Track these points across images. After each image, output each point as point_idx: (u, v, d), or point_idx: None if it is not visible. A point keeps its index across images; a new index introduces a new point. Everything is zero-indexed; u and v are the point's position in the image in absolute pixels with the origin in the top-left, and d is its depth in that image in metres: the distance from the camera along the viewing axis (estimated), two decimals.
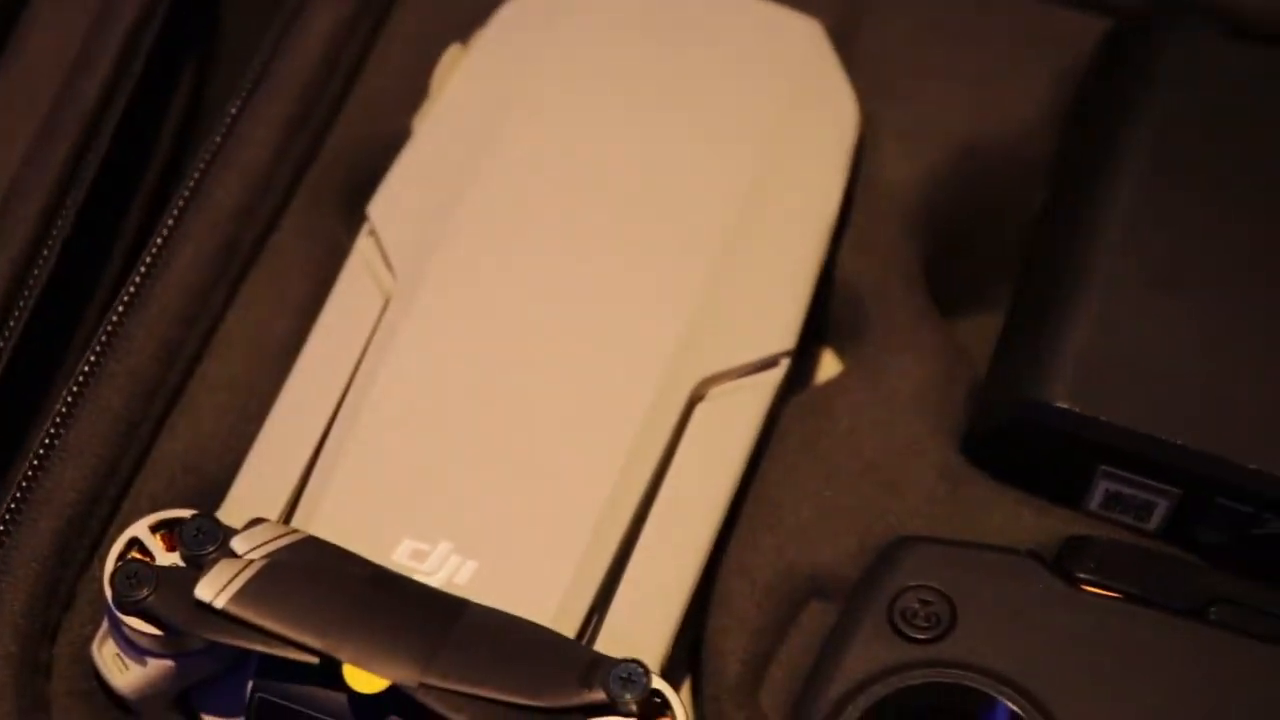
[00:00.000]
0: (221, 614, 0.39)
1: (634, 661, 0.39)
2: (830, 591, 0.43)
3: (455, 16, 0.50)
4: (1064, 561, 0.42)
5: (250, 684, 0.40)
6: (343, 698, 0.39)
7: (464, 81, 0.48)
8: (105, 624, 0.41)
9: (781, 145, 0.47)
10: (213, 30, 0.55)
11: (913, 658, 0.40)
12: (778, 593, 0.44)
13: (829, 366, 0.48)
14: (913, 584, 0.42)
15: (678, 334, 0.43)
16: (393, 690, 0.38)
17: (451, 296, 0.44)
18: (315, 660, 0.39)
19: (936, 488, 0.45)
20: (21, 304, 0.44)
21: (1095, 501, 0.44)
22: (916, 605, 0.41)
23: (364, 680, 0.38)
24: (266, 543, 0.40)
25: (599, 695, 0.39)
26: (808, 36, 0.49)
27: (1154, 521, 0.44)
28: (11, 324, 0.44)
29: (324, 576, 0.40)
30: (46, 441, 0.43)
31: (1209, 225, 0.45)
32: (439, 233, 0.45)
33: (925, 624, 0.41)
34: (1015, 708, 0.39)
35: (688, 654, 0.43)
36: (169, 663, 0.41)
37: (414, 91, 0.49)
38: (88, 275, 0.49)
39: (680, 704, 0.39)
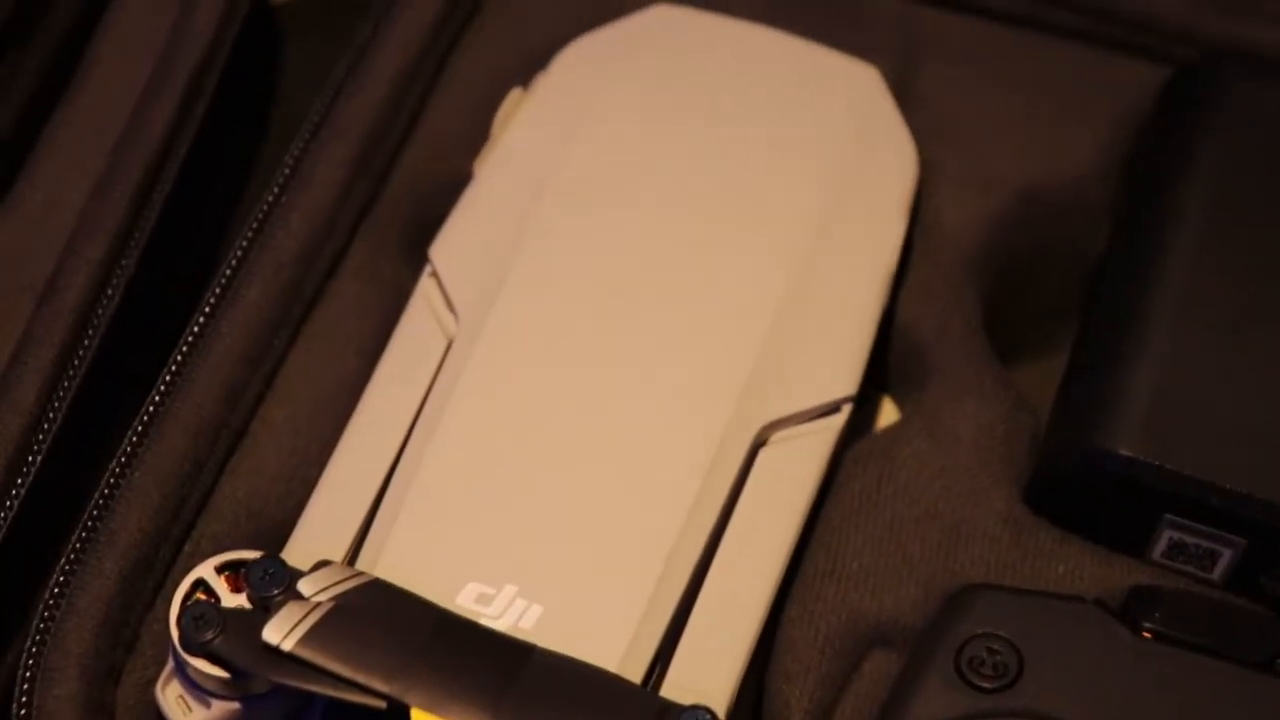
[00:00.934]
0: (289, 657, 0.39)
1: (703, 708, 0.38)
2: (893, 640, 0.43)
3: (516, 60, 0.50)
4: (1130, 610, 0.42)
5: None
6: None
7: (525, 125, 0.47)
8: (170, 665, 0.41)
9: (842, 191, 0.47)
10: (275, 71, 0.54)
11: (981, 708, 0.40)
12: (840, 640, 0.43)
13: (889, 414, 0.47)
14: (980, 632, 0.41)
15: (742, 379, 0.43)
16: None
17: (515, 340, 0.43)
18: (383, 705, 0.38)
19: (1000, 536, 0.44)
20: (86, 344, 0.44)
21: (1159, 550, 0.44)
22: (984, 654, 0.41)
23: None
24: (333, 585, 0.40)
25: None
26: (867, 83, 0.49)
27: (1218, 571, 0.43)
28: (75, 363, 0.44)
29: (391, 620, 0.39)
30: (111, 482, 0.42)
31: (1273, 272, 0.44)
32: (501, 276, 0.44)
33: (993, 673, 0.40)
34: None
35: (752, 704, 0.43)
36: (233, 705, 0.40)
37: (476, 134, 0.48)
38: (151, 316, 0.48)
39: None
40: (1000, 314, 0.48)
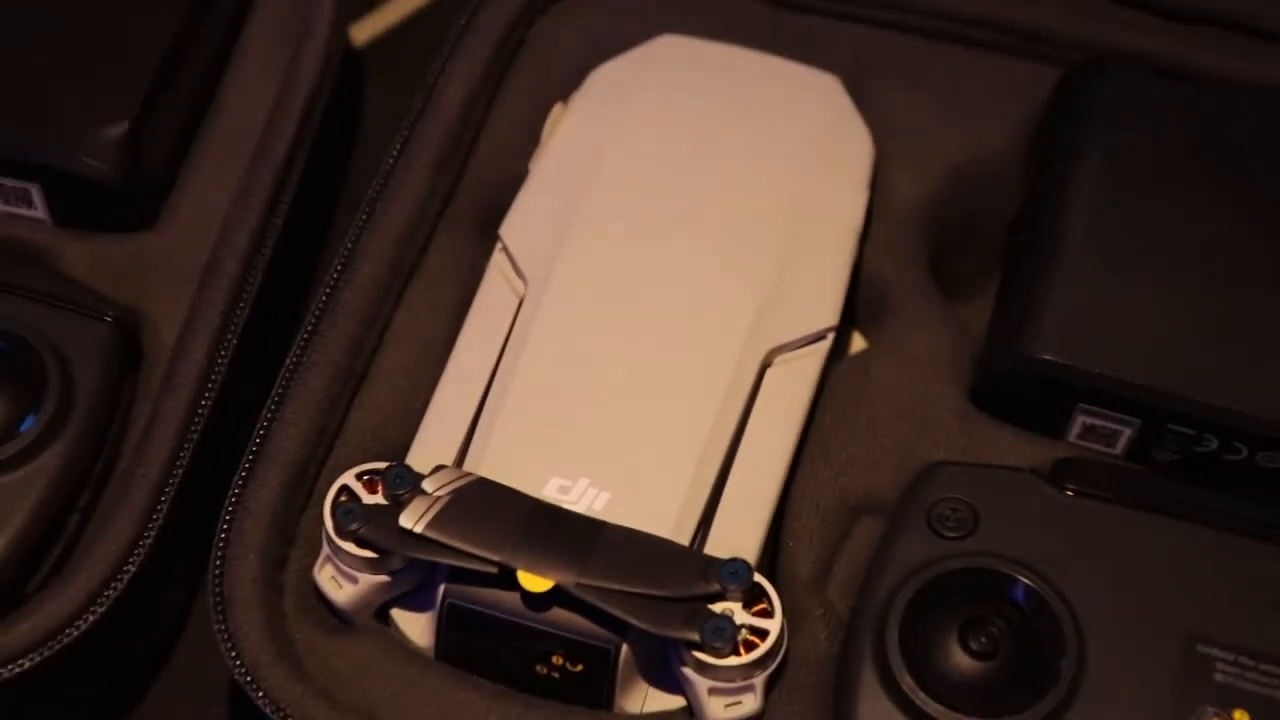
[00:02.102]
0: (420, 537, 0.43)
1: (739, 560, 0.44)
2: (876, 509, 0.48)
3: (557, 81, 0.54)
4: (1056, 476, 0.47)
5: (441, 590, 0.44)
6: (516, 597, 0.43)
7: (568, 131, 0.52)
8: (324, 552, 0.45)
9: (817, 174, 0.51)
10: (364, 100, 0.58)
11: (948, 551, 0.45)
12: (835, 511, 0.48)
13: (860, 343, 0.52)
14: (944, 496, 0.46)
15: (751, 316, 0.48)
16: (556, 589, 0.43)
17: (574, 294, 0.48)
18: (495, 570, 0.43)
19: (953, 427, 0.49)
20: (239, 312, 0.49)
21: (1074, 433, 0.49)
22: (948, 512, 0.46)
23: (534, 583, 0.43)
24: (449, 483, 0.45)
25: (714, 587, 0.43)
26: (831, 89, 0.53)
27: (1120, 447, 0.48)
28: (233, 328, 0.49)
29: (494, 507, 0.44)
30: (269, 415, 0.47)
31: (1153, 215, 0.49)
32: (557, 246, 0.49)
33: (955, 526, 0.45)
34: (1029, 582, 0.44)
35: (769, 561, 0.48)
36: (377, 579, 0.45)
37: (529, 141, 0.52)
38: (287, 291, 0.53)
39: (774, 593, 0.44)
40: (944, 263, 0.53)
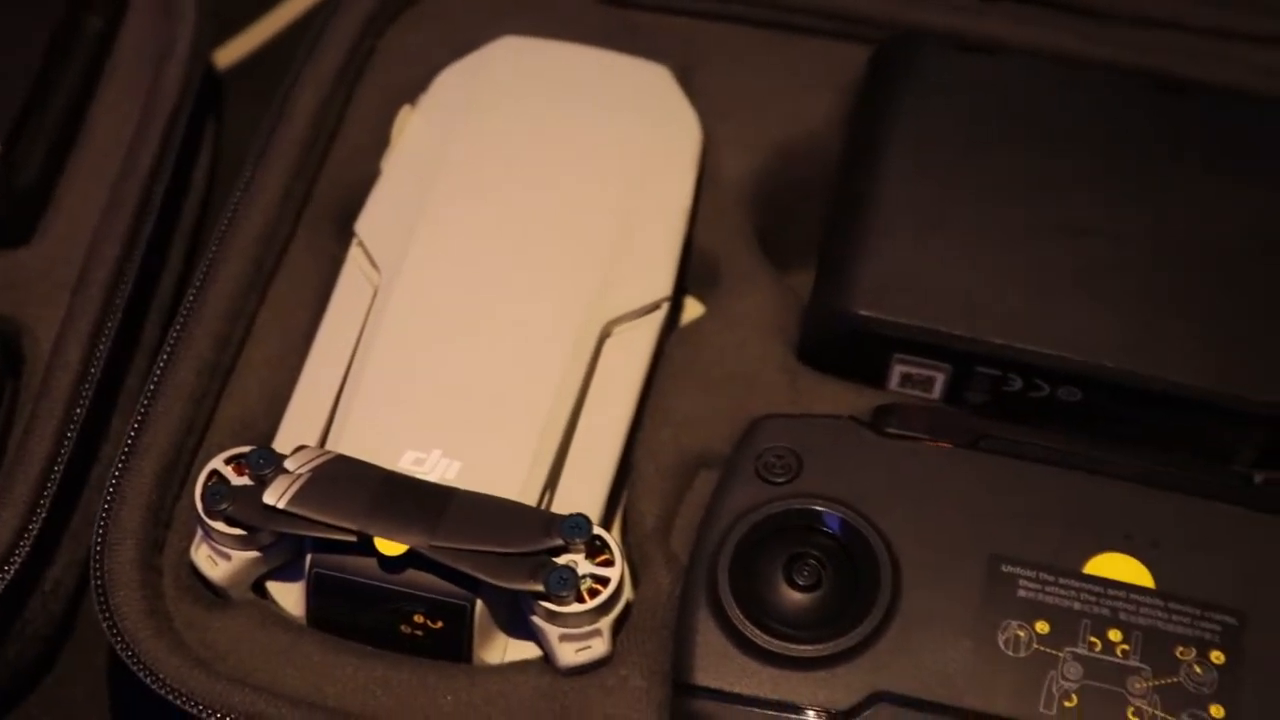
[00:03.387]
0: (283, 512, 0.46)
1: (579, 515, 0.46)
2: (712, 463, 0.50)
3: (406, 85, 0.56)
4: (876, 421, 0.49)
5: (309, 560, 0.46)
6: (374, 562, 0.46)
7: (414, 131, 0.54)
8: (199, 533, 0.48)
9: (649, 156, 0.54)
10: (224, 114, 0.61)
11: (774, 495, 0.48)
12: (675, 467, 0.50)
13: (694, 310, 0.54)
14: (769, 446, 0.48)
15: (588, 291, 0.51)
16: (411, 552, 0.45)
17: (423, 279, 0.51)
18: (354, 538, 0.46)
19: (781, 382, 0.51)
20: (111, 317, 0.51)
21: (893, 382, 0.52)
22: (774, 460, 0.48)
23: (390, 547, 0.46)
24: (309, 461, 0.47)
25: (558, 541, 0.46)
26: (661, 78, 0.56)
27: (936, 391, 0.51)
28: (106, 330, 0.51)
29: (352, 480, 0.47)
30: (142, 410, 0.49)
31: (956, 176, 0.52)
32: (408, 237, 0.51)
33: (781, 472, 0.48)
34: (844, 515, 0.47)
35: (616, 516, 0.50)
36: (248, 555, 0.47)
37: (380, 142, 0.54)
38: (155, 293, 0.55)
39: (614, 542, 0.47)
40: (770, 235, 0.55)
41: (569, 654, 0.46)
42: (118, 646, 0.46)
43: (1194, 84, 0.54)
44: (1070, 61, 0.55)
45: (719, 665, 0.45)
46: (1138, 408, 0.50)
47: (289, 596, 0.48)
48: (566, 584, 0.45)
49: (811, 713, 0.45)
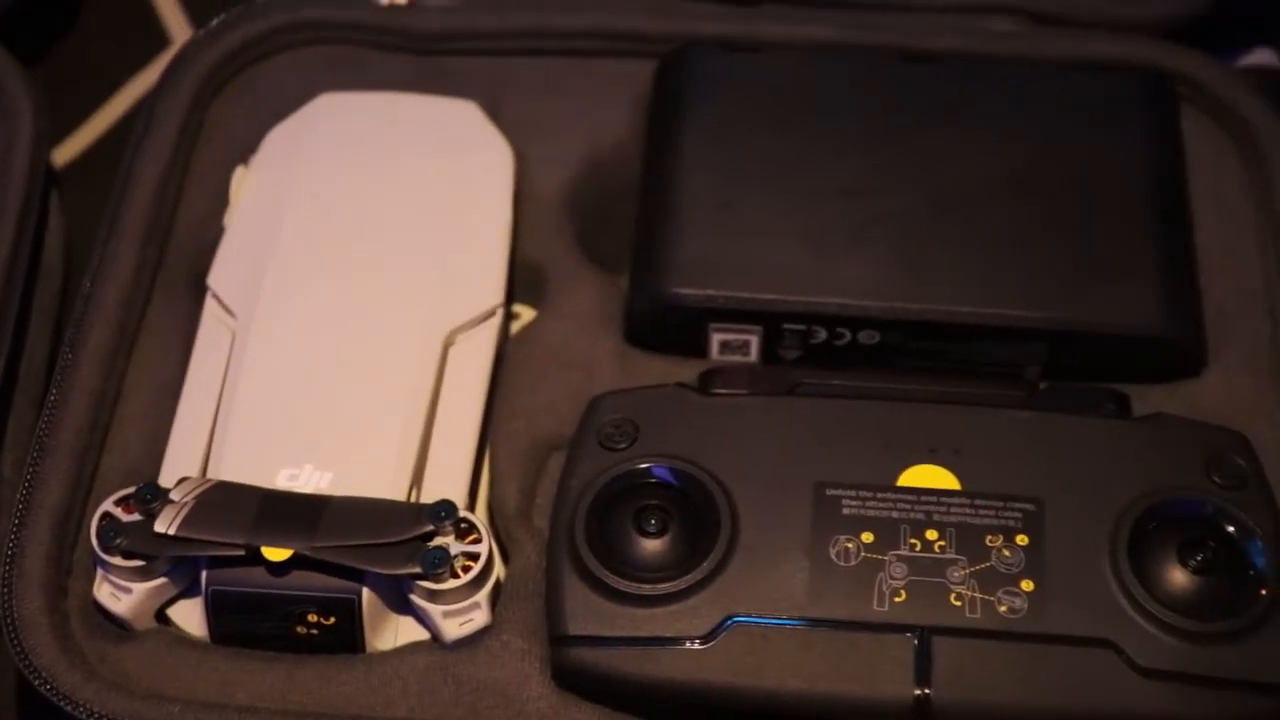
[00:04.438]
0: (174, 538, 0.49)
1: (445, 500, 0.50)
2: (561, 445, 0.54)
3: (237, 149, 0.60)
4: (702, 384, 0.54)
5: (204, 578, 0.50)
6: (263, 570, 0.49)
7: (251, 188, 0.58)
8: (99, 572, 0.51)
9: (466, 182, 0.58)
10: (66, 199, 0.63)
11: (617, 460, 0.52)
12: (529, 454, 0.54)
13: (528, 315, 0.59)
14: (609, 418, 0.52)
15: (427, 306, 0.55)
16: (296, 556, 0.49)
17: (275, 316, 0.54)
18: (242, 551, 0.49)
19: (614, 365, 0.56)
20: None
21: (714, 351, 0.56)
22: (613, 430, 0.52)
23: (276, 554, 0.49)
24: (192, 490, 0.50)
25: (428, 526, 0.49)
26: (470, 114, 0.60)
27: (752, 353, 0.56)
28: None
29: (234, 501, 0.50)
30: (30, 473, 0.52)
31: (741, 159, 0.57)
32: (257, 282, 0.55)
33: (621, 440, 0.52)
34: (680, 467, 0.51)
35: (483, 503, 0.54)
36: (148, 584, 0.50)
37: (220, 203, 0.58)
38: (27, 365, 0.58)
39: (480, 522, 0.50)
40: (590, 237, 0.60)
41: (453, 628, 0.50)
42: (36, 683, 0.49)
43: (935, 54, 0.60)
44: (829, 48, 0.61)
45: (587, 615, 0.49)
46: (931, 340, 0.55)
47: (190, 620, 0.51)
48: (441, 563, 0.49)
49: (672, 642, 0.49)
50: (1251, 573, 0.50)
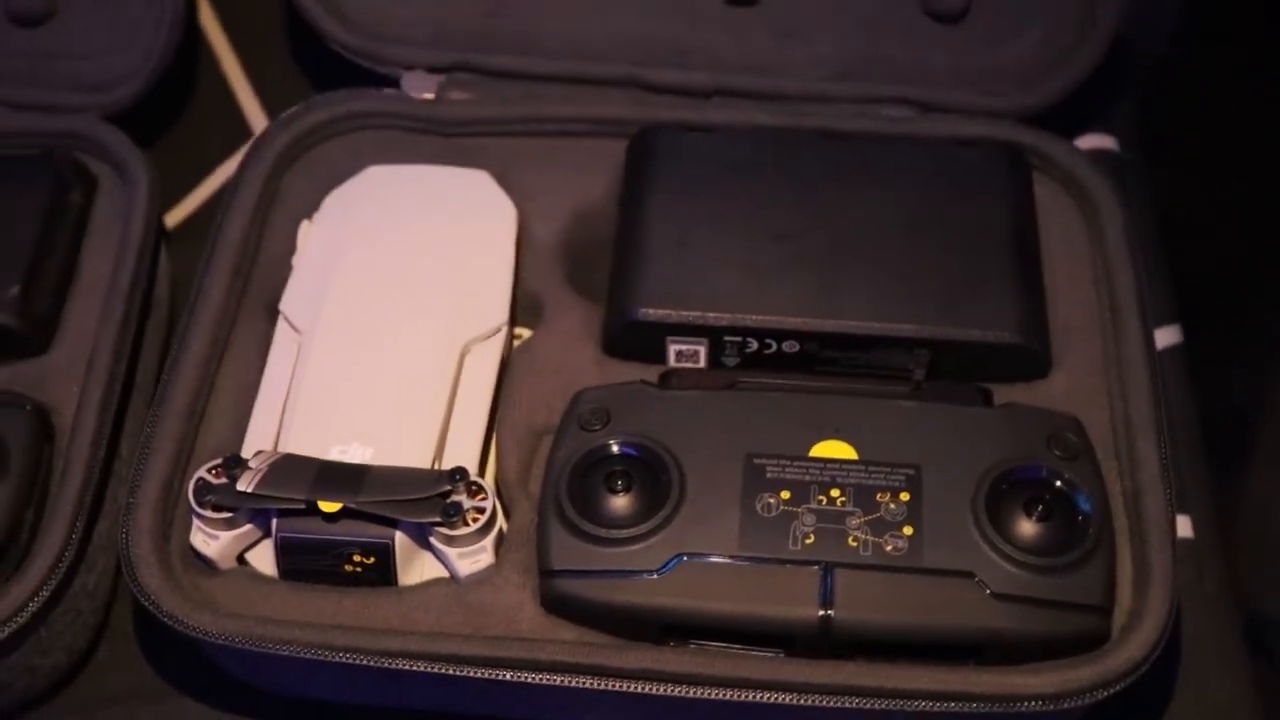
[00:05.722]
0: (252, 494, 0.59)
1: (459, 467, 0.61)
2: (552, 431, 0.63)
3: (304, 208, 0.71)
4: (661, 382, 0.64)
5: (274, 526, 0.60)
6: (320, 520, 0.60)
7: (314, 238, 0.69)
8: (194, 522, 0.61)
9: (480, 233, 0.69)
10: (173, 250, 0.75)
11: (593, 438, 0.62)
12: (527, 437, 0.64)
13: (526, 334, 0.68)
14: (589, 407, 0.62)
15: (449, 323, 0.65)
16: (344, 509, 0.59)
17: (331, 334, 0.65)
18: (303, 505, 0.59)
19: (593, 371, 0.66)
20: (111, 399, 0.65)
21: (670, 359, 0.66)
22: (590, 416, 0.62)
23: (329, 507, 0.59)
24: (266, 460, 0.61)
25: (446, 486, 0.60)
26: (483, 181, 0.71)
27: (701, 360, 0.66)
28: (108, 408, 0.65)
29: (298, 468, 0.60)
30: (143, 448, 0.63)
31: (694, 212, 0.67)
32: (319, 307, 0.66)
33: (598, 423, 0.62)
34: (641, 442, 0.61)
35: (490, 474, 0.64)
36: (231, 533, 0.61)
37: (290, 249, 0.70)
38: (142, 373, 0.69)
39: (487, 484, 0.61)
40: (577, 275, 0.69)
41: (465, 566, 0.61)
42: (149, 606, 0.60)
43: (845, 133, 0.72)
44: (764, 130, 0.72)
45: (568, 553, 0.60)
46: (838, 349, 0.66)
47: (264, 562, 0.62)
48: (456, 514, 0.60)
49: (633, 574, 0.60)
50: (1080, 520, 0.61)
